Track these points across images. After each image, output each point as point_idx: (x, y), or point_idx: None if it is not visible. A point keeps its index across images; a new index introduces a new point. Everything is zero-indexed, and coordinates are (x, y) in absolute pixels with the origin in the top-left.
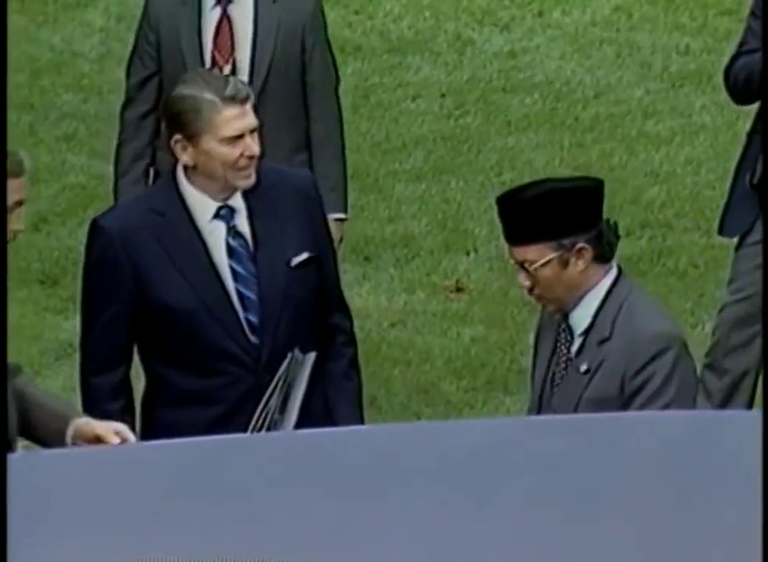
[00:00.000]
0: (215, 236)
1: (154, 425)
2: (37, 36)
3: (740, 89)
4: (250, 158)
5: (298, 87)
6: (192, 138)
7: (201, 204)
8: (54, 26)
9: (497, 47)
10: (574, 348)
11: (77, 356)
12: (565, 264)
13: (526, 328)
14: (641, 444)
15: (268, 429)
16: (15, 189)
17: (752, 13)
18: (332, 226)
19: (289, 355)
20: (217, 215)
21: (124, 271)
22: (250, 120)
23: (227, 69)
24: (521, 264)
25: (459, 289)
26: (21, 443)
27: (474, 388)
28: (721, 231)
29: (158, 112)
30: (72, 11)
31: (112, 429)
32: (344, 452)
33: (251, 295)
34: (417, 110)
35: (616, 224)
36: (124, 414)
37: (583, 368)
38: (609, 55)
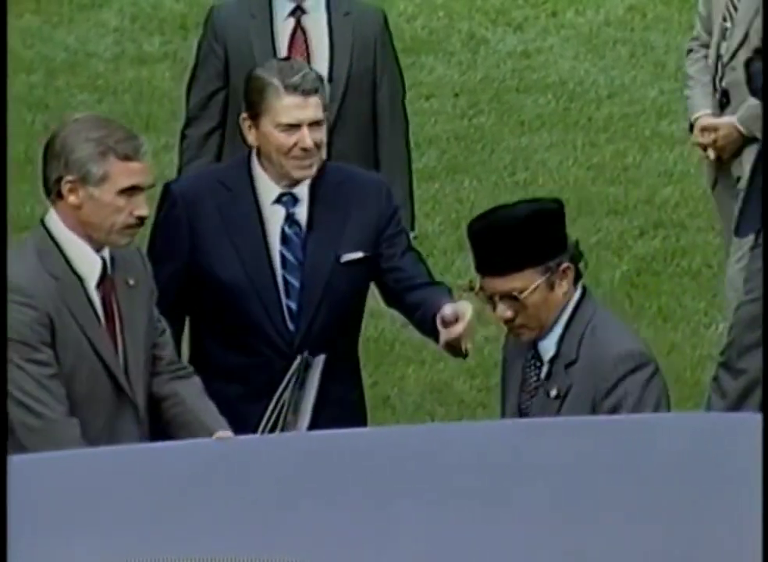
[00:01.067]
0: (273, 220)
1: None
2: (52, 36)
3: None
4: (304, 149)
5: (369, 101)
6: (255, 118)
7: (266, 187)
8: (69, 27)
9: (511, 47)
10: (543, 373)
11: None
12: (551, 286)
13: None
14: (652, 446)
15: (281, 430)
16: (131, 172)
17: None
18: None
19: (299, 357)
20: (278, 201)
21: (182, 234)
22: (311, 113)
23: None
24: (504, 296)
25: (472, 289)
26: None
27: (487, 387)
28: (736, 232)
29: (223, 128)
30: (87, 11)
31: None
32: (357, 453)
33: (295, 282)
34: (431, 109)
35: (578, 241)
36: None
37: (553, 393)
38: (623, 54)
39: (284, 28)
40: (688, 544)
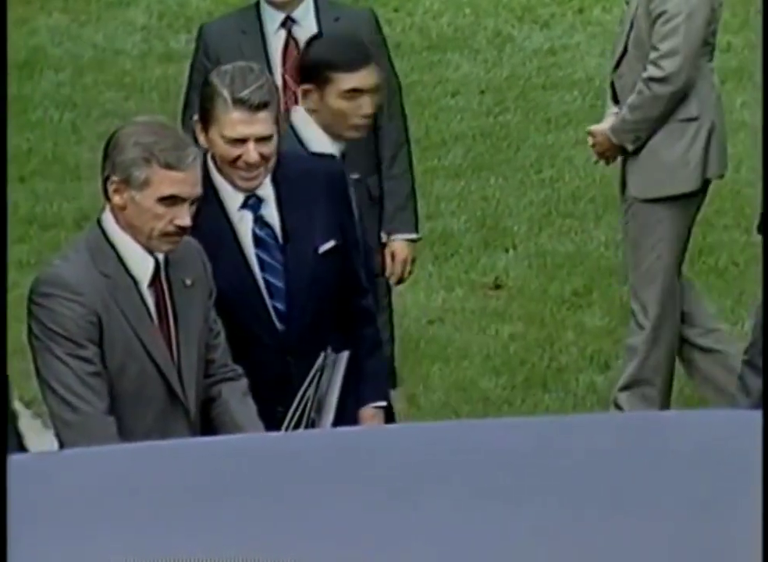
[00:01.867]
0: (243, 225)
1: None
2: (80, 34)
3: None
4: (248, 164)
5: None
6: (204, 123)
7: (229, 194)
8: (96, 25)
9: (537, 44)
10: None
11: None
12: None
13: (565, 325)
14: (674, 443)
15: (304, 427)
16: (172, 181)
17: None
18: (400, 246)
19: (323, 354)
20: (245, 205)
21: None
22: (258, 128)
23: (300, 92)
24: None
25: (497, 287)
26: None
27: (512, 385)
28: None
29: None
30: (114, 9)
31: None
32: (380, 450)
33: (278, 283)
34: (457, 107)
35: None
36: None
37: None
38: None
39: (276, 40)
40: (701, 543)
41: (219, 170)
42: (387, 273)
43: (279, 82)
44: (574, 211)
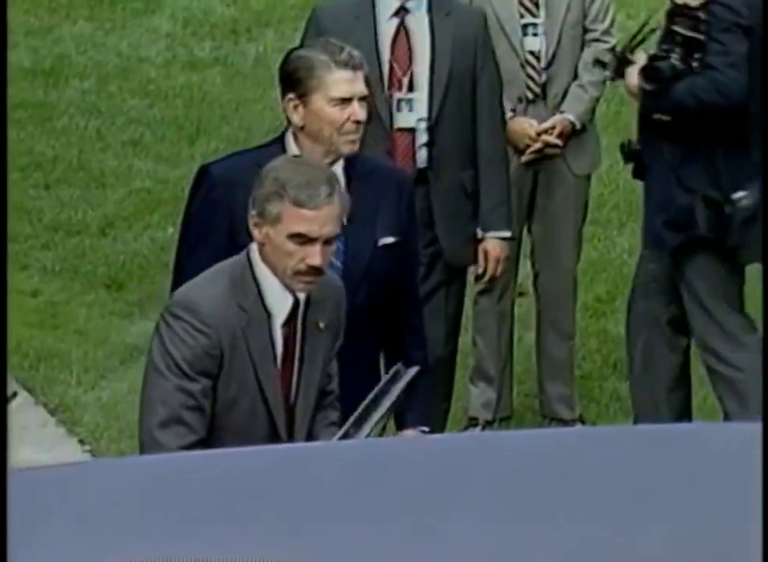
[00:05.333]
0: None
1: None
2: (105, 42)
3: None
4: (356, 122)
5: (469, 100)
6: (303, 97)
7: None
8: (121, 33)
9: None
10: None
11: (143, 359)
12: None
13: (588, 332)
14: (694, 456)
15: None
16: (301, 219)
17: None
18: (494, 244)
19: (393, 369)
20: None
21: (222, 215)
22: (360, 87)
23: (405, 81)
24: None
25: (521, 294)
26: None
27: (534, 392)
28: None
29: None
30: (139, 17)
31: None
32: (404, 460)
33: (337, 263)
34: None
35: None
36: None
37: None
38: None
39: (387, 28)
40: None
41: (299, 145)
42: (479, 271)
43: (386, 69)
44: (597, 218)
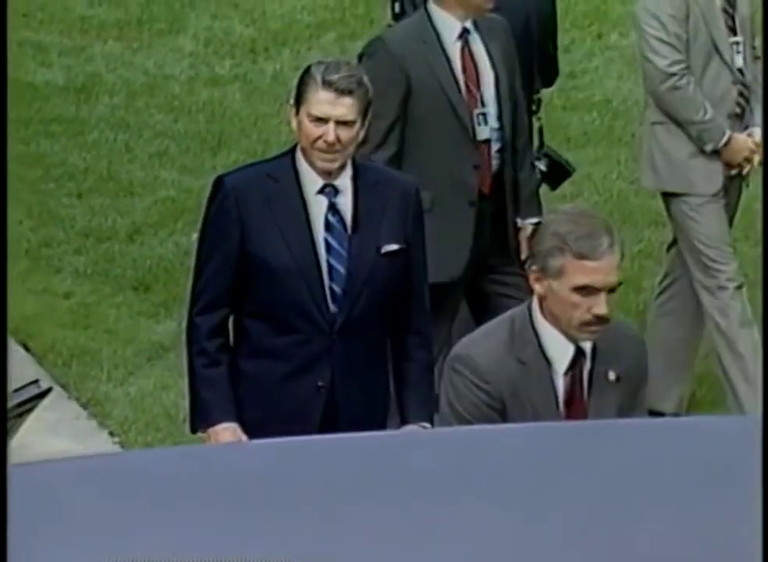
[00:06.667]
0: (317, 209)
1: (237, 373)
2: (133, 61)
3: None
4: (327, 143)
5: (516, 107)
6: (297, 106)
7: (310, 179)
8: (148, 52)
9: (559, 67)
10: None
11: (169, 356)
12: None
13: None
14: (688, 450)
15: None
16: (585, 270)
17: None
18: (528, 231)
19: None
20: (321, 191)
21: (233, 223)
22: (340, 111)
23: (478, 97)
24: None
25: None
26: None
27: None
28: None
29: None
30: (164, 37)
31: None
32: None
33: (340, 268)
34: None
35: None
36: (219, 353)
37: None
38: None
39: (454, 50)
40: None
41: (305, 155)
42: (523, 256)
43: (463, 88)
44: None
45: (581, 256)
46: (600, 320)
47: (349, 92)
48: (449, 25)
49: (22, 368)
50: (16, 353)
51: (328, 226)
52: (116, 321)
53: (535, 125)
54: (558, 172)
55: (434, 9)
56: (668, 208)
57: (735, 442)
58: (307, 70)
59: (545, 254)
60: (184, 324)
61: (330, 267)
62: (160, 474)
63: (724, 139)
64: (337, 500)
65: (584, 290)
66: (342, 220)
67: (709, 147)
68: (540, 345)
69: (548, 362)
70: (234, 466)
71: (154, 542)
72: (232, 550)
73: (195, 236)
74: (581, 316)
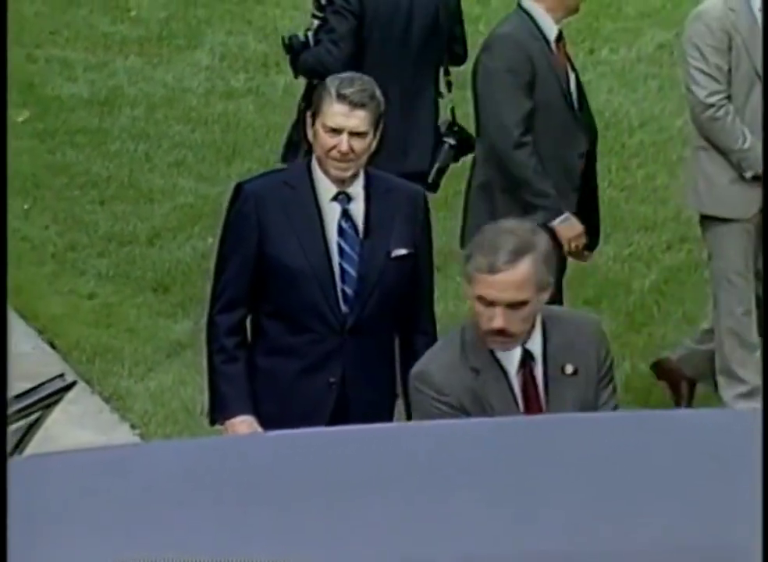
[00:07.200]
0: (331, 215)
1: (253, 369)
2: (153, 75)
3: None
4: (341, 153)
5: None
6: (313, 117)
7: (325, 187)
8: (167, 66)
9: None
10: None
11: (186, 354)
12: None
13: None
14: (672, 440)
15: None
16: (482, 284)
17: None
18: (558, 229)
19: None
20: (335, 198)
21: (252, 228)
22: (354, 123)
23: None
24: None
25: None
26: None
27: None
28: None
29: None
30: (182, 52)
31: None
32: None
33: (352, 271)
34: None
35: None
36: (237, 350)
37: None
38: (652, 88)
39: (556, 48)
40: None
41: (320, 164)
42: (565, 253)
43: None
44: None
45: (477, 268)
46: (500, 333)
47: (362, 105)
48: (548, 24)
49: (48, 364)
50: (42, 350)
51: (341, 232)
52: (137, 321)
53: (448, 104)
54: (464, 147)
55: (533, 7)
56: (703, 230)
57: (731, 436)
58: (323, 84)
59: (464, 259)
60: (201, 323)
61: (342, 270)
62: (178, 464)
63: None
64: (341, 492)
65: (484, 301)
66: (354, 226)
67: (748, 175)
68: (492, 351)
69: (500, 366)
70: (248, 456)
71: (171, 525)
72: (243, 532)
73: (210, 240)
74: (483, 325)
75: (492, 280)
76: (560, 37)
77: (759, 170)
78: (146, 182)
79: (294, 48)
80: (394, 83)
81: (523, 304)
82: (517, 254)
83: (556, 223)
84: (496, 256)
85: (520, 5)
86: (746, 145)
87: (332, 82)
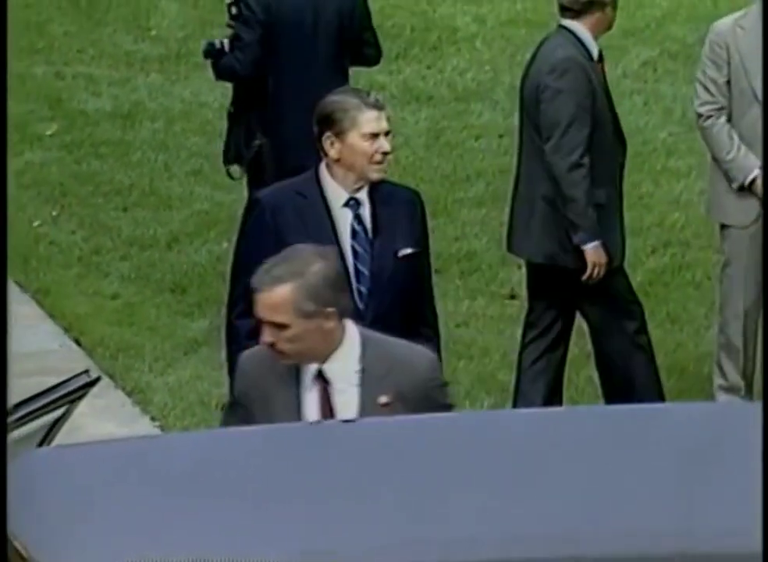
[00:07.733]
0: (343, 220)
1: None
2: (171, 91)
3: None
4: (384, 153)
5: None
6: (340, 134)
7: (336, 194)
8: (185, 83)
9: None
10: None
11: (203, 351)
12: None
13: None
14: (662, 433)
15: None
16: (256, 302)
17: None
18: (587, 252)
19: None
20: (346, 204)
21: (270, 235)
22: (384, 124)
23: None
24: None
25: (513, 297)
26: None
27: None
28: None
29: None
30: (199, 70)
31: None
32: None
33: (365, 271)
34: (479, 148)
35: None
36: None
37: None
38: (637, 102)
39: (598, 68)
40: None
41: (332, 175)
42: (585, 276)
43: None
44: None
45: (254, 289)
46: (271, 347)
47: (383, 108)
48: (591, 43)
49: (74, 361)
50: (68, 347)
51: (354, 234)
52: (157, 320)
53: None
54: None
55: (575, 27)
56: (722, 236)
57: (710, 428)
58: (336, 101)
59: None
60: (216, 322)
61: (357, 270)
62: (195, 454)
63: (750, 177)
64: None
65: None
66: (365, 228)
67: (734, 185)
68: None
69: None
70: (260, 447)
71: (186, 510)
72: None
73: (225, 245)
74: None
75: (256, 298)
76: (600, 56)
77: (743, 181)
78: (165, 190)
79: (211, 54)
80: (305, 84)
81: (283, 326)
82: (278, 280)
83: (589, 247)
84: (262, 277)
85: (561, 25)
86: (730, 156)
87: (349, 96)
